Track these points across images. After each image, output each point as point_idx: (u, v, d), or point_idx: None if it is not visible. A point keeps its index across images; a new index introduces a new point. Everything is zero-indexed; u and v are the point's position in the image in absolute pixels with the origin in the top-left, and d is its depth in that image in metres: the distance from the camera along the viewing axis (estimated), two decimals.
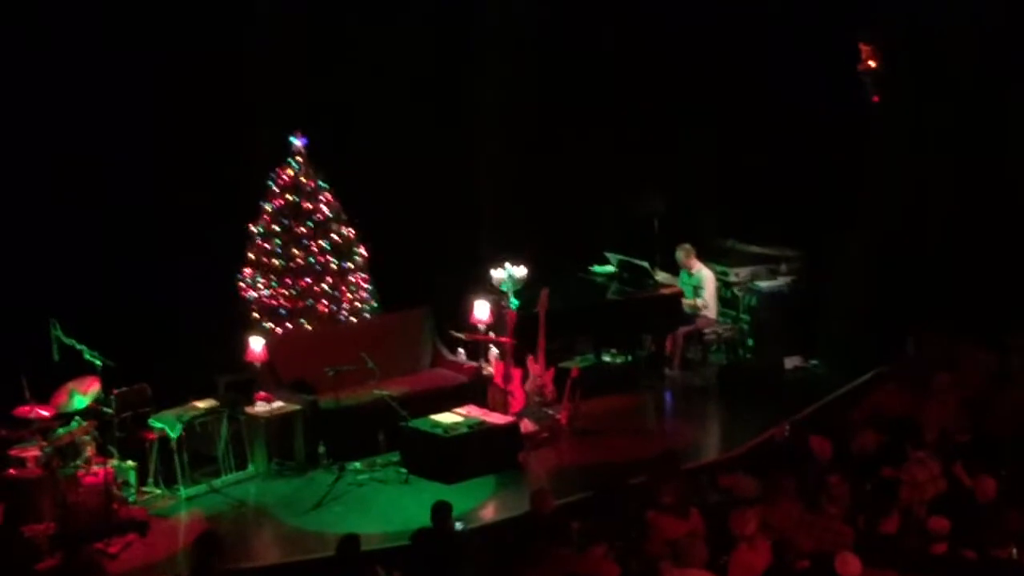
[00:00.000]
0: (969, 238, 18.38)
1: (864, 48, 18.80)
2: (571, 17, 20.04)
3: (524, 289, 17.26)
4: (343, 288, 17.55)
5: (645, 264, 18.73)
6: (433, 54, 19.53)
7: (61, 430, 14.54)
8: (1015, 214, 18.22)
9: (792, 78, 19.43)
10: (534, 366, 17.05)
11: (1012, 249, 18.00)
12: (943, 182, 18.71)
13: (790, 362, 18.94)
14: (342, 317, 17.54)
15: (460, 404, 16.34)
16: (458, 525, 13.36)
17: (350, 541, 12.33)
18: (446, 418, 15.89)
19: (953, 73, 18.48)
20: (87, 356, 14.62)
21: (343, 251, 17.60)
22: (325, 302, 17.40)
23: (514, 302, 17.06)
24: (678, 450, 15.24)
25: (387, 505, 15.02)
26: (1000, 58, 18.35)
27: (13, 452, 14.31)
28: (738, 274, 19.55)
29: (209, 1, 17.82)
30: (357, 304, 17.67)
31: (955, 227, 18.58)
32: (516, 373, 16.84)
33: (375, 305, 17.89)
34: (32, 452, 14.24)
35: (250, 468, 15.77)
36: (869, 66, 18.82)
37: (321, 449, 15.95)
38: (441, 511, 12.82)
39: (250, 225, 17.50)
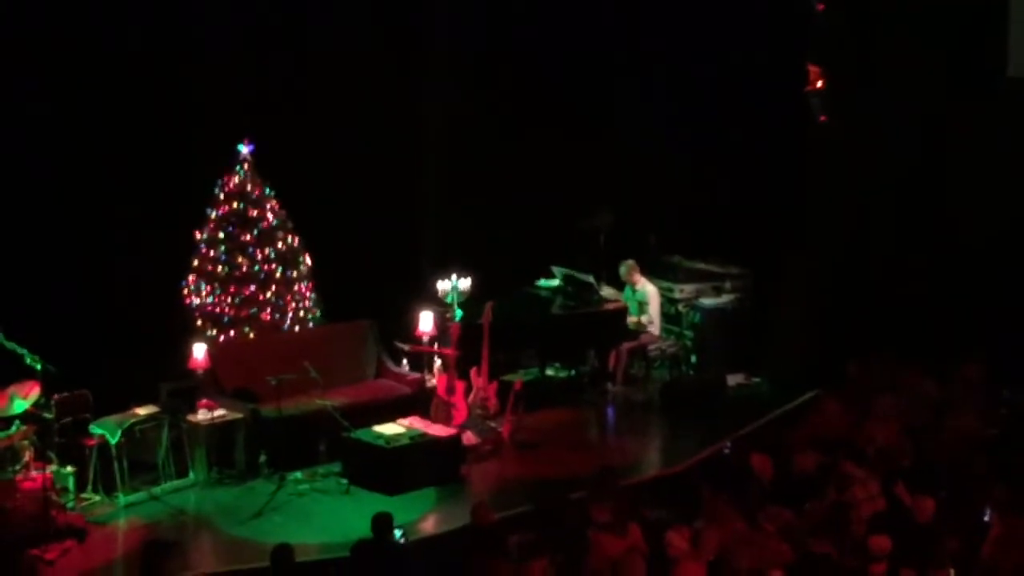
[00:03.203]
0: (914, 262, 18.52)
1: (812, 69, 18.89)
2: (520, 31, 20.08)
3: (469, 301, 17.26)
4: (287, 297, 17.49)
5: (590, 279, 18.77)
6: (381, 65, 19.51)
7: (0, 434, 14.43)
8: (960, 241, 18.37)
9: (740, 98, 19.58)
10: (477, 379, 17.05)
11: (955, 275, 18.14)
12: (889, 205, 18.85)
13: (733, 379, 18.99)
14: (286, 326, 17.48)
15: (403, 415, 16.30)
16: (398, 534, 13.28)
17: (283, 551, 12.27)
18: (388, 429, 15.86)
19: (898, 98, 18.65)
20: (28, 360, 14.52)
21: (288, 259, 17.54)
22: (269, 310, 17.34)
23: (459, 314, 17.07)
24: (616, 467, 15.25)
25: (328, 515, 14.97)
26: (944, 81, 18.55)
27: None
28: (682, 290, 19.63)
29: (159, 4, 17.74)
30: (301, 313, 17.62)
31: (900, 251, 18.73)
32: (459, 385, 16.83)
33: (319, 314, 17.84)
34: None
35: (190, 476, 15.67)
36: (816, 87, 18.91)
37: (262, 458, 15.87)
38: (381, 522, 12.79)
39: (195, 232, 17.42)
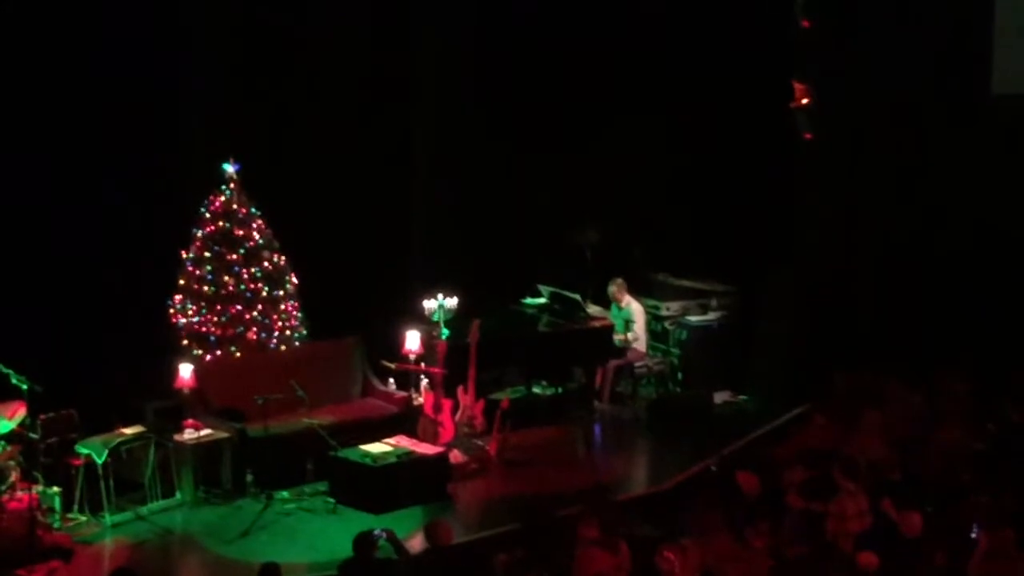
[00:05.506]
0: (901, 277, 18.54)
1: (797, 86, 18.92)
2: (507, 49, 20.08)
3: (455, 320, 17.25)
4: (274, 316, 17.46)
5: (576, 296, 18.77)
6: (368, 82, 19.53)
7: None
8: (947, 255, 18.40)
9: (725, 114, 19.61)
10: (464, 397, 17.03)
11: (942, 288, 18.16)
12: (874, 219, 18.87)
13: (719, 396, 19.00)
14: (272, 345, 17.46)
15: (390, 434, 16.29)
16: (377, 533, 13.11)
17: (270, 570, 12.24)
18: (375, 448, 15.84)
19: (886, 114, 18.70)
20: (14, 380, 14.46)
21: (274, 279, 17.52)
22: (255, 330, 17.31)
23: (445, 332, 17.05)
24: (609, 483, 15.24)
25: (314, 535, 14.95)
26: (930, 98, 18.61)
27: None
28: (669, 308, 19.64)
29: (145, 25, 17.73)
30: (287, 332, 17.60)
31: (887, 265, 18.75)
32: (446, 404, 16.82)
33: (305, 333, 17.82)
34: None
35: (177, 496, 15.65)
36: (802, 104, 18.93)
37: (249, 477, 15.86)
38: (363, 542, 12.73)
39: (181, 251, 17.40)
